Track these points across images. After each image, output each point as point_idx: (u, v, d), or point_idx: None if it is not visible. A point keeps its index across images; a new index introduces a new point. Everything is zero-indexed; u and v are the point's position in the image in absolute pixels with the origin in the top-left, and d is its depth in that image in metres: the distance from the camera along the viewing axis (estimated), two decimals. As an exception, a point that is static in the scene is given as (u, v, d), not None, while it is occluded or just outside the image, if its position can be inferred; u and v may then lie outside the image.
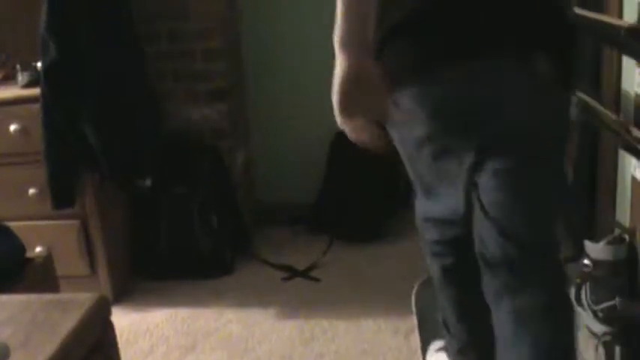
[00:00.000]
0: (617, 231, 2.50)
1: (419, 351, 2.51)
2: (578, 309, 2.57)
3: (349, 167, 3.52)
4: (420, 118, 1.69)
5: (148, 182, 3.20)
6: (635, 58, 2.27)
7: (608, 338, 2.26)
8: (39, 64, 2.83)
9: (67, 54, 2.76)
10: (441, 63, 1.61)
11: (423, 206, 2.05)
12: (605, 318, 2.36)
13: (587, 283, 2.51)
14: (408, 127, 1.77)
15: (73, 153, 2.88)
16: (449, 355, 2.29)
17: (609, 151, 2.58)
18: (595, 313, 2.46)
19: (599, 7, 2.50)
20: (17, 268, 2.25)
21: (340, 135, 3.57)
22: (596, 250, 2.42)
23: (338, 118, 1.66)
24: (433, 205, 1.98)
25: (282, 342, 2.71)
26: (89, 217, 3.01)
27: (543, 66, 1.62)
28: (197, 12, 3.30)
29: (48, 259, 2.39)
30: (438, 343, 2.47)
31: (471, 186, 1.74)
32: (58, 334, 1.55)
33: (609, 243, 2.42)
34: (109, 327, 1.77)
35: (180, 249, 3.29)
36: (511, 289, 1.79)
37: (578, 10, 2.70)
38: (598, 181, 2.70)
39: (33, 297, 1.79)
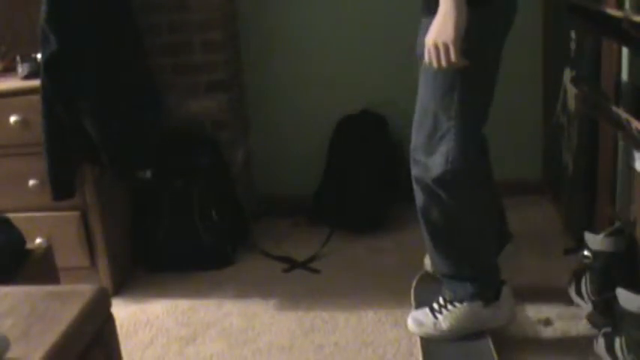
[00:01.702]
0: (617, 223, 2.50)
1: (419, 343, 2.52)
2: (579, 300, 2.58)
3: (349, 159, 3.52)
4: None
5: (148, 174, 3.20)
6: (634, 50, 2.27)
7: (608, 330, 2.26)
8: (39, 56, 2.83)
9: (67, 46, 2.75)
10: None
11: None
12: (605, 309, 2.37)
13: (587, 275, 2.52)
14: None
15: (73, 144, 2.88)
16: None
17: (609, 143, 2.58)
18: (595, 304, 2.46)
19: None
20: (17, 259, 2.24)
21: (340, 127, 3.60)
22: (596, 241, 2.42)
23: (455, 54, 2.05)
24: None
25: (282, 333, 2.72)
26: (89, 209, 3.01)
27: None
28: (197, 3, 3.30)
29: (48, 251, 2.38)
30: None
31: None
32: (57, 326, 1.55)
33: (609, 234, 2.43)
34: (109, 318, 1.77)
35: (180, 241, 3.29)
36: None
37: (577, 2, 2.70)
38: (598, 173, 2.70)
39: (33, 288, 1.79)
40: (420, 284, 2.81)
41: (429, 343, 2.51)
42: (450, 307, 2.48)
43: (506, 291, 2.46)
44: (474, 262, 2.44)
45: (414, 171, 2.36)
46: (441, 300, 2.51)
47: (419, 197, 2.39)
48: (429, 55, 2.11)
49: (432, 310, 2.52)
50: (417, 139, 2.35)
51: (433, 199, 2.34)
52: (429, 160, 2.29)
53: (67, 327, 1.56)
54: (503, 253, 2.68)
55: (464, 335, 2.48)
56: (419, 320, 2.55)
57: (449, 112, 2.24)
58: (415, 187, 2.38)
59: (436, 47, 2.07)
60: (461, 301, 2.46)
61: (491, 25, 2.20)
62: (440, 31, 2.06)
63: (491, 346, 2.41)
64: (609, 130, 2.53)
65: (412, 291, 2.79)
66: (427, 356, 2.45)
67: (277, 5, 3.57)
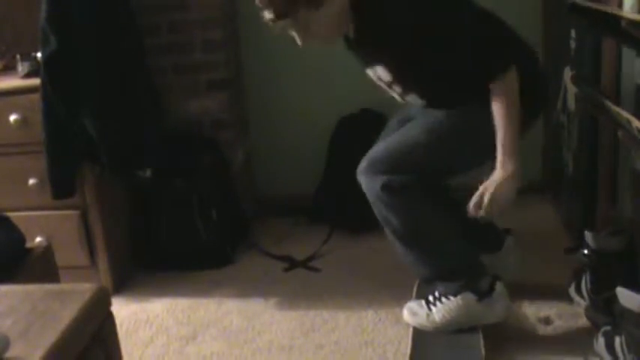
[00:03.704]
0: (617, 222, 2.50)
1: (410, 332, 2.53)
2: (578, 299, 2.58)
3: (349, 158, 3.50)
4: None
5: (148, 173, 3.20)
6: (635, 49, 2.27)
7: (607, 328, 2.26)
8: (39, 55, 2.83)
9: (67, 45, 2.75)
10: None
11: None
12: (605, 308, 2.36)
13: (587, 274, 2.52)
14: None
15: (73, 143, 2.88)
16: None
17: (609, 142, 2.58)
18: (595, 303, 2.46)
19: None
20: (17, 258, 2.25)
21: (340, 126, 3.60)
22: (596, 240, 2.42)
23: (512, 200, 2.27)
24: None
25: (282, 332, 2.71)
26: (89, 208, 3.02)
27: None
28: (197, 3, 3.30)
29: (48, 250, 2.38)
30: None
31: None
32: (58, 325, 1.55)
33: (609, 234, 2.42)
34: (109, 317, 1.77)
35: (180, 240, 3.29)
36: None
37: (578, 1, 2.70)
38: (598, 172, 2.70)
39: (33, 287, 1.79)
40: (422, 285, 2.82)
41: (420, 335, 2.54)
42: (443, 299, 2.51)
43: (499, 287, 2.48)
44: (448, 258, 2.48)
45: (365, 183, 2.42)
46: (436, 293, 2.54)
47: (375, 209, 2.45)
48: (477, 201, 2.25)
49: (427, 302, 2.56)
50: (383, 153, 2.42)
51: (387, 206, 2.39)
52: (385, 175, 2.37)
53: (67, 326, 1.56)
54: (504, 250, 2.70)
55: (456, 329, 2.50)
56: (413, 310, 2.60)
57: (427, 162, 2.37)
58: (370, 199, 2.44)
59: (491, 201, 2.23)
60: (454, 295, 2.48)
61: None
62: (506, 191, 2.26)
63: (481, 341, 2.42)
64: (609, 129, 2.53)
65: (416, 283, 2.80)
66: (415, 347, 2.48)
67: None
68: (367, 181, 2.41)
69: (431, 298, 2.55)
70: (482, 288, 2.47)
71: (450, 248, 2.49)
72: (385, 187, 2.35)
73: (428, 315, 2.53)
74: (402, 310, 2.67)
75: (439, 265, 2.49)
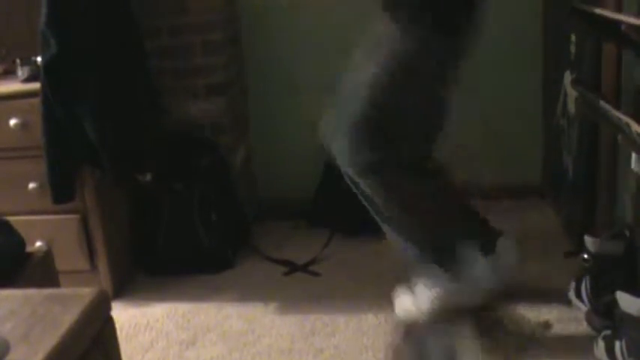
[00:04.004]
0: (617, 226, 2.50)
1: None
2: (578, 303, 2.58)
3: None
4: None
5: (148, 177, 3.20)
6: (635, 53, 2.27)
7: (607, 332, 2.26)
8: (39, 59, 2.83)
9: (67, 49, 2.75)
10: None
11: None
12: (605, 312, 2.36)
13: (587, 278, 2.52)
14: None
15: (73, 147, 2.88)
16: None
17: (609, 146, 2.58)
18: (595, 307, 2.46)
19: (599, 2, 2.50)
20: (17, 262, 2.24)
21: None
22: (595, 244, 2.42)
23: None
24: None
25: (282, 337, 2.71)
26: (89, 212, 3.01)
27: None
28: (197, 6, 3.30)
29: (48, 254, 2.38)
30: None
31: None
32: (57, 329, 1.55)
33: (609, 238, 2.43)
34: (109, 322, 1.77)
35: (180, 244, 3.28)
36: None
37: (578, 5, 2.70)
38: (598, 176, 2.70)
39: (33, 292, 1.79)
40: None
41: (407, 325, 2.55)
42: (431, 288, 2.50)
43: (487, 265, 2.48)
44: (436, 239, 2.49)
45: (343, 163, 2.44)
46: (422, 282, 2.53)
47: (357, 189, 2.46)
48: None
49: (415, 291, 2.55)
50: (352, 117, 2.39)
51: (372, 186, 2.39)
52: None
53: (67, 330, 1.55)
54: (498, 252, 2.68)
55: (445, 318, 2.50)
56: (402, 300, 2.59)
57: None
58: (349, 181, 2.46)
59: None
60: (439, 284, 2.48)
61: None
62: None
63: (470, 330, 2.44)
64: (609, 133, 2.53)
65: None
66: (405, 336, 2.51)
67: (278, 7, 3.57)
68: (345, 161, 2.41)
69: (419, 287, 2.54)
70: (473, 271, 2.46)
71: (440, 232, 2.48)
72: (365, 171, 2.35)
73: (417, 303, 2.52)
74: (402, 314, 2.68)
75: (428, 248, 2.49)
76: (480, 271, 2.46)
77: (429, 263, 2.50)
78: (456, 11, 2.29)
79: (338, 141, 2.38)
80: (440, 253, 2.48)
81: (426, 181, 2.45)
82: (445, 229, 2.49)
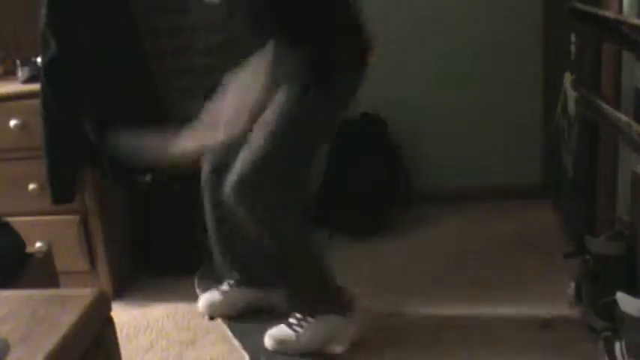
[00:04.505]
0: (617, 226, 2.50)
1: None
2: (578, 304, 2.58)
3: (350, 161, 3.51)
4: None
5: (148, 177, 3.20)
6: (635, 53, 2.27)
7: (607, 333, 2.26)
8: (39, 60, 2.83)
9: (67, 50, 2.76)
10: None
11: None
12: (605, 313, 2.36)
13: (587, 278, 2.52)
14: None
15: (73, 148, 2.88)
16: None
17: (609, 146, 2.58)
18: (595, 308, 2.46)
19: (599, 2, 2.50)
20: (17, 263, 2.24)
21: (340, 129, 3.59)
22: (596, 245, 2.42)
23: None
24: None
25: (282, 337, 2.71)
26: (89, 213, 3.02)
27: None
28: (197, 7, 3.30)
29: (48, 255, 2.38)
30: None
31: None
32: (57, 330, 1.55)
33: (609, 238, 2.42)
34: (109, 322, 1.76)
35: (180, 244, 3.28)
36: None
37: (578, 5, 2.70)
38: (598, 176, 2.70)
39: (33, 292, 1.79)
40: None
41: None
42: (309, 319, 2.54)
43: (357, 303, 2.59)
44: (314, 283, 2.58)
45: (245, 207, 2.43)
46: (298, 315, 2.56)
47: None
48: None
49: (290, 325, 2.56)
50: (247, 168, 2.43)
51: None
52: None
53: (67, 331, 1.55)
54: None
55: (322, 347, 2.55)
56: (278, 338, 2.57)
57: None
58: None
59: None
60: (319, 314, 2.54)
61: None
62: None
63: None
64: (609, 133, 2.53)
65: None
66: None
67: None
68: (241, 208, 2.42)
69: (293, 320, 2.56)
70: (344, 306, 2.55)
71: (316, 273, 2.57)
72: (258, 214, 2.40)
73: (297, 337, 2.53)
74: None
75: (306, 291, 2.57)
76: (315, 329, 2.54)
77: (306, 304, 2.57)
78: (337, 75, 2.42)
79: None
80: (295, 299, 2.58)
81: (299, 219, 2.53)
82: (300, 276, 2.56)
